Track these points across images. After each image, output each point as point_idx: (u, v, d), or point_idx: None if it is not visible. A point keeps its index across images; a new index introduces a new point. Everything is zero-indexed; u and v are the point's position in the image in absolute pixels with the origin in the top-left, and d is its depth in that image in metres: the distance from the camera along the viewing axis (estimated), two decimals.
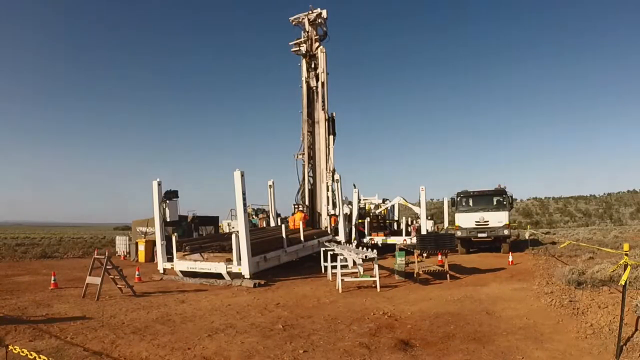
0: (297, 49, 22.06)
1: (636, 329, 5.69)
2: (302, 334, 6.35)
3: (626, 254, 5.42)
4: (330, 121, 21.39)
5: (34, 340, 6.11)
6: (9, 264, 17.96)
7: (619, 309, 5.24)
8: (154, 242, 16.03)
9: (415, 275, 11.68)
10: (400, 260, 12.39)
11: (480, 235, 19.06)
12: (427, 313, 7.64)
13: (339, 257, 11.05)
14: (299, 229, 15.86)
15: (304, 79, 22.18)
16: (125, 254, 21.14)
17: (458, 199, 19.93)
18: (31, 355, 3.06)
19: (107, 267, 9.90)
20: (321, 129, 21.53)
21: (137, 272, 12.86)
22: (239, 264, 11.55)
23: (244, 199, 11.61)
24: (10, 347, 3.35)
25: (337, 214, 19.58)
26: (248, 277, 11.39)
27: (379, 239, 20.21)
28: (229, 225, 21.88)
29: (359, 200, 21.50)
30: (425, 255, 14.24)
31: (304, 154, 22.08)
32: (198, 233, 20.64)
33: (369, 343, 5.87)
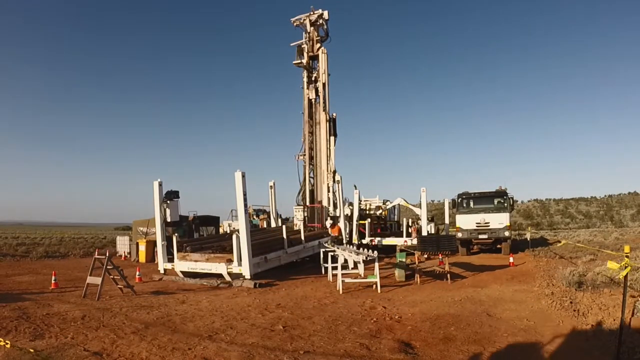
0: (299, 61, 22.16)
1: (629, 328, 5.68)
2: (302, 335, 6.35)
3: (627, 256, 5.42)
4: (331, 122, 21.43)
5: (35, 340, 6.11)
6: (10, 264, 17.97)
7: (620, 310, 5.24)
8: (154, 243, 16.05)
9: (415, 277, 11.68)
10: (401, 262, 12.39)
11: (480, 236, 19.05)
12: (428, 314, 7.64)
13: (339, 258, 11.05)
14: (300, 229, 15.86)
15: (305, 80, 22.23)
16: (126, 254, 21.15)
17: (459, 201, 19.92)
18: (32, 354, 3.07)
19: (108, 267, 9.90)
20: (322, 130, 21.57)
21: (137, 272, 12.87)
22: (240, 264, 11.56)
23: (245, 200, 11.62)
24: (12, 346, 3.36)
25: (338, 218, 19.51)
26: (249, 277, 11.40)
27: (377, 240, 20.22)
28: (229, 225, 21.90)
29: (360, 201, 21.52)
30: (426, 256, 14.24)
31: (304, 155, 22.12)
32: (199, 233, 20.65)
33: (370, 344, 5.87)
